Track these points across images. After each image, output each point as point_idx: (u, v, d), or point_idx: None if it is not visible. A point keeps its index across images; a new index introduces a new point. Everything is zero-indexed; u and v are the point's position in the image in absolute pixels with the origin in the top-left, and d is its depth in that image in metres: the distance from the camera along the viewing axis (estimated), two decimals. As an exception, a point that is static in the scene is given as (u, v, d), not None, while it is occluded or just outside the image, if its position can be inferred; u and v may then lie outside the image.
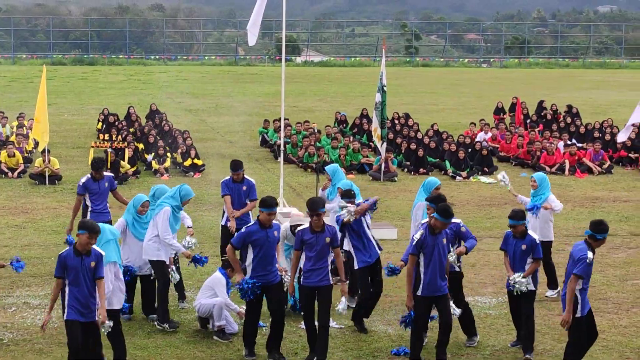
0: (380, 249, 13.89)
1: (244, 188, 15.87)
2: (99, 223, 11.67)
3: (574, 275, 11.23)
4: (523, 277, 12.51)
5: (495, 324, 14.03)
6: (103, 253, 11.04)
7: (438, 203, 12.44)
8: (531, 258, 12.65)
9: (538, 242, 12.67)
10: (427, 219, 14.26)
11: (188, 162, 27.17)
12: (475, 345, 13.07)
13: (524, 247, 12.59)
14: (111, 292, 11.43)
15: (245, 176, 15.96)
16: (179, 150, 27.78)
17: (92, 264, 10.70)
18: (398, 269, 12.75)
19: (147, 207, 13.92)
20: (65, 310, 10.76)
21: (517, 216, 12.65)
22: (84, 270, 10.62)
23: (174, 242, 13.53)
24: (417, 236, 11.83)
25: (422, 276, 11.88)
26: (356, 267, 13.62)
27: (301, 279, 12.21)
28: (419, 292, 11.95)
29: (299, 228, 12.15)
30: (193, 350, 12.84)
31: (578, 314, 11.42)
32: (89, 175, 16.05)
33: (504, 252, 12.89)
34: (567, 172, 27.74)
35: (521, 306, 12.73)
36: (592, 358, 12.67)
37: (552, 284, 15.67)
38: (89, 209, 16.01)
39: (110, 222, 15.13)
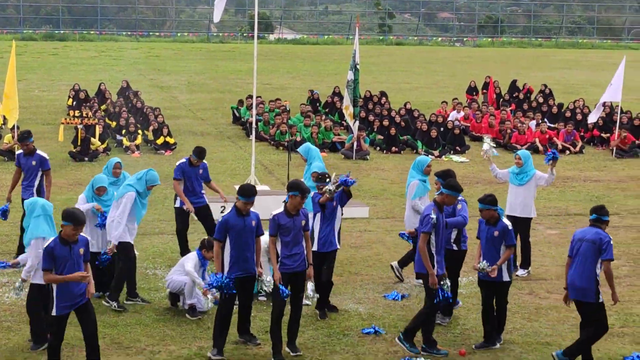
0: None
1: (200, 171, 15.92)
2: (37, 198, 12.19)
3: (607, 261, 11.29)
4: (498, 264, 12.15)
5: (465, 303, 14.06)
6: (88, 238, 10.88)
7: (446, 178, 12.34)
8: (504, 245, 12.30)
9: (510, 228, 12.33)
10: (419, 197, 14.35)
11: (160, 140, 26.99)
12: (445, 325, 13.10)
13: (496, 233, 12.27)
14: (37, 267, 11.39)
15: None
16: (151, 127, 27.63)
17: (81, 250, 10.55)
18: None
19: (103, 192, 13.83)
20: (54, 305, 10.50)
21: (486, 200, 12.30)
22: (74, 259, 10.44)
23: (120, 230, 13.36)
24: (433, 216, 11.70)
25: (435, 255, 11.84)
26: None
27: (277, 266, 11.78)
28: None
29: (274, 213, 11.82)
30: (163, 328, 12.80)
31: (601, 299, 11.43)
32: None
33: (479, 240, 12.74)
34: (540, 150, 27.78)
35: (495, 300, 12.45)
36: (561, 336, 12.75)
37: (524, 263, 15.72)
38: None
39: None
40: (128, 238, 13.47)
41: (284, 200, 11.95)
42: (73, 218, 10.37)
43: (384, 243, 17.55)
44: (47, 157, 16.05)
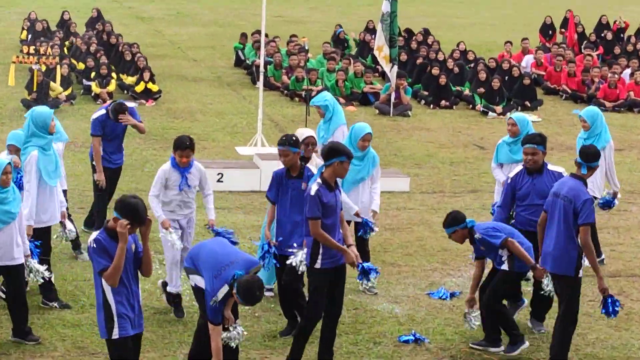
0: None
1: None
2: None
3: None
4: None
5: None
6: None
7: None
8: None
9: (479, 237, 12.17)
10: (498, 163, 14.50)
11: (140, 87, 26.86)
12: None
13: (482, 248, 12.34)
14: None
15: None
16: (146, 74, 27.22)
17: (133, 246, 10.36)
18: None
19: (13, 152, 13.79)
20: (115, 325, 10.08)
21: (445, 223, 12.34)
22: (127, 259, 10.16)
23: (29, 204, 12.95)
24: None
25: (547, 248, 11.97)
26: None
27: (318, 262, 11.45)
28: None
29: (314, 190, 11.38)
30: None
31: None
32: None
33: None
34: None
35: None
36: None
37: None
38: None
39: None
40: (42, 219, 13.03)
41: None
42: (129, 214, 9.98)
43: (428, 225, 17.48)
44: None
